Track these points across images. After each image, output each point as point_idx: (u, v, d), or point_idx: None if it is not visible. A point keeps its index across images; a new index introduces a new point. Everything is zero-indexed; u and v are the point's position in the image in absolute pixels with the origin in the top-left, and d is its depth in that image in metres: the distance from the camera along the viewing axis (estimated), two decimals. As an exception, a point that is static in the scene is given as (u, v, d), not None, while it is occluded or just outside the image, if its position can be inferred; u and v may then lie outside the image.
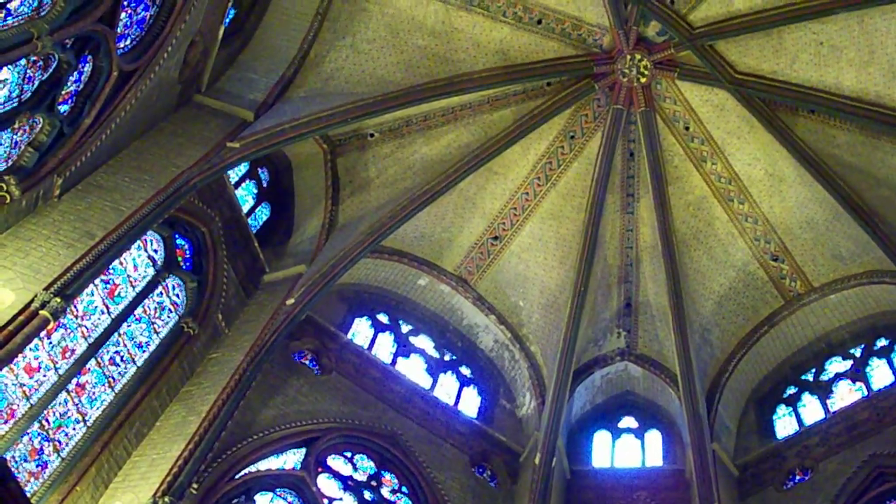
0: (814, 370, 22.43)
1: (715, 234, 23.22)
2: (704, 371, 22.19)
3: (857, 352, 21.90)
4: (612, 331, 24.33)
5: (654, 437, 23.55)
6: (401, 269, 24.59)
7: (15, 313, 13.48)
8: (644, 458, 23.15)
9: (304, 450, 19.78)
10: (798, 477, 19.93)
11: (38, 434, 15.11)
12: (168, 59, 17.16)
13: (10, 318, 13.36)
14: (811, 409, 21.67)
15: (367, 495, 20.10)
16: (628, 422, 24.14)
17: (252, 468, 18.60)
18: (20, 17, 12.33)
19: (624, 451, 23.49)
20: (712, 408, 21.62)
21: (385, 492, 20.41)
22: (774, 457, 20.80)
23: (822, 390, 21.83)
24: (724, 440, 21.34)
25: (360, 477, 20.40)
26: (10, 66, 12.59)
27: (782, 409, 22.29)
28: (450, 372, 24.46)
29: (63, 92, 14.52)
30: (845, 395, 21.22)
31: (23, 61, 12.80)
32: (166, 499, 15.40)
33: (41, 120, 14.35)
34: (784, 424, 21.90)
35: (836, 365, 22.16)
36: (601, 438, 23.90)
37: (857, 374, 21.42)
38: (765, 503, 20.10)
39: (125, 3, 15.00)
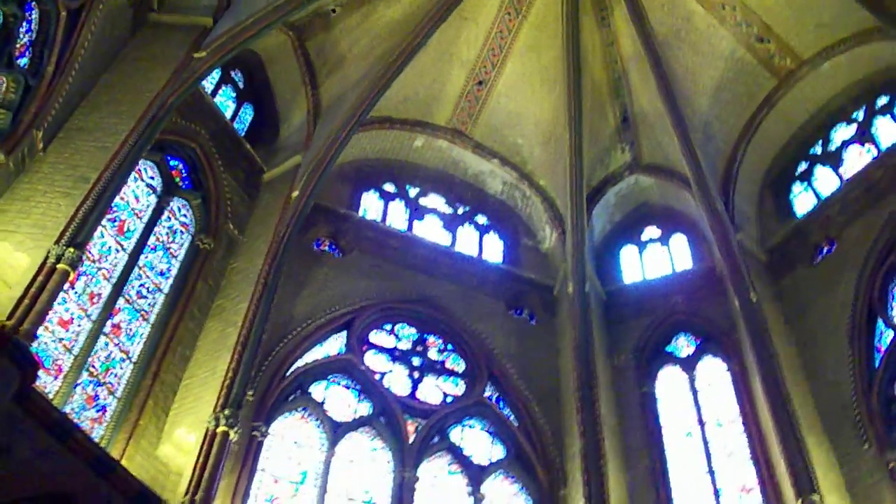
0: (820, 142, 22.30)
1: (695, 28, 22.69)
2: (713, 166, 22.13)
3: (860, 115, 21.66)
4: (615, 147, 24.29)
5: (678, 242, 23.80)
6: (394, 136, 24.56)
7: (34, 273, 13.55)
8: (673, 263, 23.45)
9: (344, 333, 20.15)
10: (825, 249, 20.08)
11: (90, 381, 15.41)
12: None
13: (31, 280, 13.44)
14: (825, 181, 21.67)
15: (416, 361, 20.57)
16: (651, 232, 24.36)
17: (299, 363, 19.00)
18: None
19: (652, 261, 23.80)
20: (728, 200, 21.64)
21: (432, 353, 20.86)
22: (798, 235, 20.95)
23: (833, 159, 21.76)
24: (747, 229, 21.45)
25: (405, 345, 20.82)
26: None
27: (797, 187, 22.31)
28: (467, 224, 24.70)
29: (17, 45, 14.26)
30: (856, 159, 21.12)
31: (-33, 23, 12.54)
32: (226, 412, 15.70)
33: (3, 79, 14.17)
34: (802, 201, 21.97)
35: (842, 132, 21.99)
36: (628, 254, 24.20)
37: (864, 136, 21.24)
38: (797, 282, 20.32)
39: (52, -59, 14.56)
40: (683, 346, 21.32)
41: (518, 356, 21.16)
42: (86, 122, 16.40)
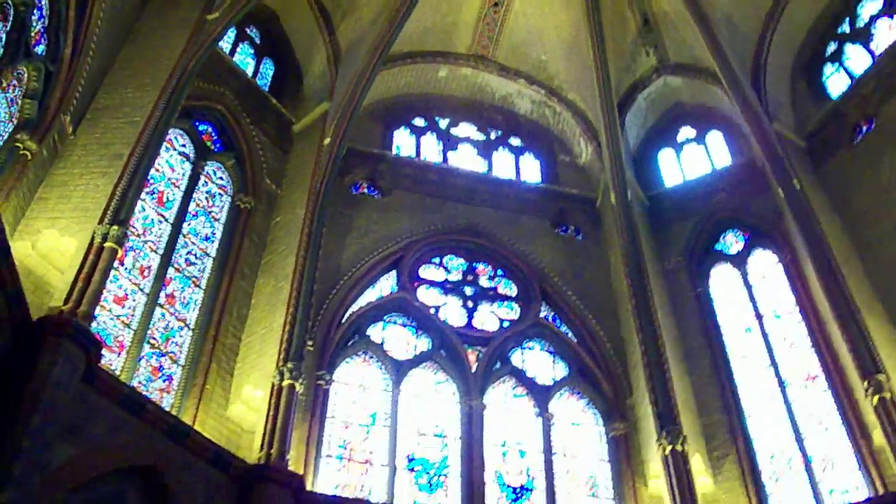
0: (848, 19, 21.68)
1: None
2: (741, 58, 21.65)
3: (885, -14, 21.08)
4: (640, 52, 23.88)
5: (715, 139, 23.56)
6: (418, 69, 24.50)
7: (83, 255, 13.75)
8: (712, 161, 23.25)
9: (394, 272, 20.34)
10: (864, 128, 19.71)
11: (152, 353, 15.74)
12: (115, -41, 16.70)
13: (81, 262, 13.65)
14: (857, 59, 21.16)
15: (468, 290, 20.70)
16: (686, 132, 24.11)
17: (354, 307, 19.21)
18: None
19: (691, 161, 23.61)
20: (761, 91, 21.22)
21: (483, 281, 20.98)
22: (835, 116, 20.55)
23: (862, 36, 21.18)
24: (783, 117, 21.09)
25: (456, 276, 20.95)
26: (-29, 31, 12.42)
27: (829, 68, 21.82)
28: (501, 148, 24.67)
29: (32, 33, 14.29)
30: (886, 33, 20.52)
31: (-20, 21, 12.59)
32: (289, 365, 15.92)
33: (24, 69, 14.22)
34: (835, 82, 21.52)
35: (869, 6, 21.36)
36: (666, 157, 24.03)
37: (892, 7, 20.58)
38: (839, 165, 20.02)
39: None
40: (732, 242, 21.22)
41: (569, 273, 21.21)
42: (111, 99, 16.55)
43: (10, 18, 13.67)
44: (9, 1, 13.41)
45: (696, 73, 23.24)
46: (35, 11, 14.31)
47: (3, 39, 13.59)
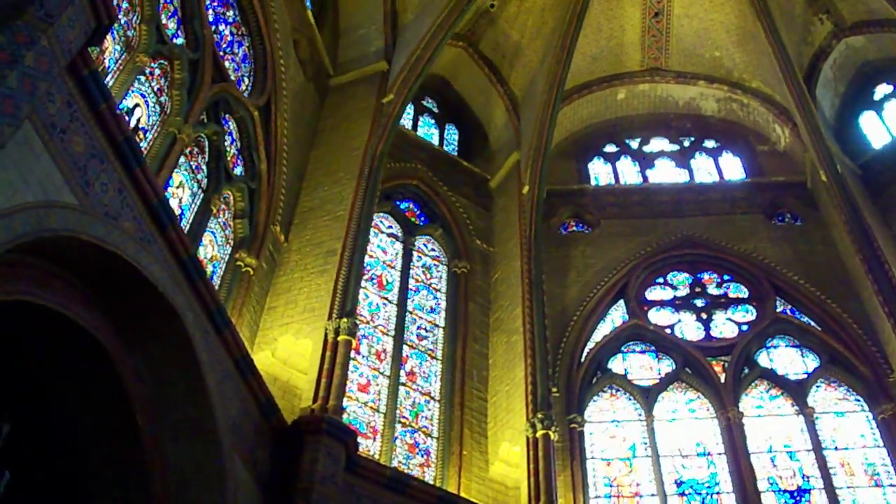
0: None
1: None
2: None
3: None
4: (813, 22, 22.70)
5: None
6: (596, 98, 24.56)
7: (321, 353, 14.20)
8: (923, 112, 21.85)
9: (621, 301, 20.05)
10: None
11: (405, 431, 16.06)
12: (286, 70, 17.51)
13: (320, 360, 14.05)
14: None
15: (699, 303, 20.10)
16: (882, 89, 22.97)
17: (590, 344, 18.98)
18: (156, 127, 12.89)
19: (894, 117, 22.22)
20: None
21: (711, 290, 20.35)
22: None
23: None
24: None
25: (683, 292, 20.41)
26: (177, 170, 13.21)
27: None
28: (697, 154, 24.20)
29: (229, 158, 15.13)
30: None
31: (182, 159, 13.40)
32: (539, 415, 15.79)
33: (229, 193, 15.07)
34: None
35: None
36: (867, 120, 22.85)
37: None
38: None
39: (222, 55, 15.37)
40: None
41: (796, 262, 20.25)
42: (312, 200, 17.24)
43: (207, 149, 14.56)
44: (202, 134, 14.28)
45: (876, 26, 21.93)
46: (227, 137, 15.17)
47: (206, 171, 14.47)
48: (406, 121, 21.15)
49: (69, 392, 10.35)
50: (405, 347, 17.35)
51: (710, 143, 24.24)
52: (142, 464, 10.55)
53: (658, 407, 17.99)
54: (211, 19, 15.22)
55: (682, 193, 22.43)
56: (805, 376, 18.26)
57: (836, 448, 17.04)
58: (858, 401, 17.79)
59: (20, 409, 9.75)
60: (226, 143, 15.03)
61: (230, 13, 16.38)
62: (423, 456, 15.93)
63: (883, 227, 19.55)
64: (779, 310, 19.47)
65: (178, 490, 10.80)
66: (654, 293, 20.39)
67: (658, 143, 24.36)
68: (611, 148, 24.25)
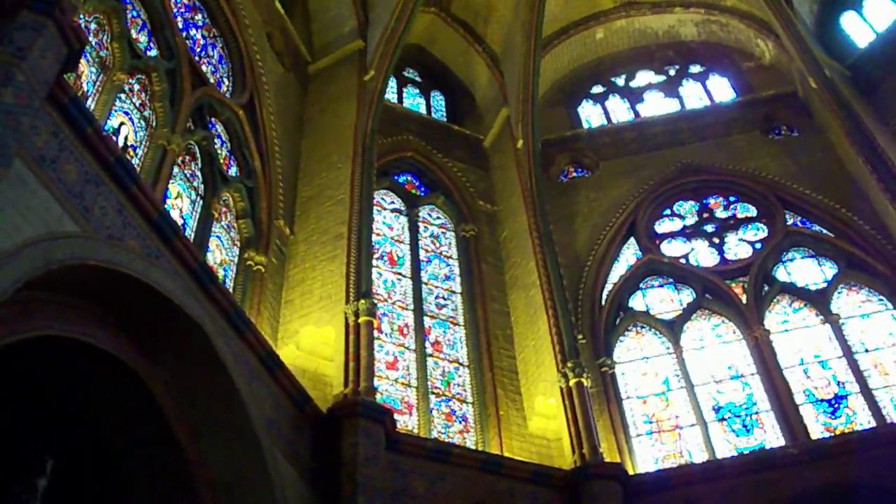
0: None
1: None
2: None
3: None
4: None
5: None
6: (575, 41, 24.54)
7: (344, 338, 14.23)
8: (902, -2, 21.56)
9: (632, 239, 20.06)
10: None
11: (440, 402, 16.14)
12: (263, 65, 17.46)
13: (345, 345, 14.07)
14: None
15: (709, 228, 20.07)
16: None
17: (608, 287, 19.02)
18: (144, 142, 12.89)
19: (876, 13, 21.88)
20: None
21: (720, 214, 20.31)
22: None
23: None
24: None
25: (691, 220, 20.37)
26: (172, 181, 13.22)
27: None
28: (685, 81, 24.14)
29: (221, 160, 15.11)
30: None
31: (175, 169, 13.40)
32: (569, 364, 15.80)
33: (228, 195, 15.07)
34: None
35: None
36: (848, 21, 22.34)
37: None
38: None
39: (198, 59, 15.32)
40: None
41: (799, 172, 20.16)
42: (311, 189, 17.23)
43: (199, 156, 14.55)
44: (192, 141, 14.29)
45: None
46: (216, 141, 15.15)
47: (201, 177, 14.47)
48: (391, 94, 21.06)
49: (104, 415, 10.44)
50: (426, 319, 17.40)
51: (695, 69, 24.10)
52: (188, 476, 10.66)
53: (685, 337, 18.02)
54: (181, 26, 15.17)
55: (675, 123, 22.34)
56: (825, 285, 18.23)
57: (866, 350, 17.02)
58: (881, 300, 17.75)
59: (60, 441, 9.86)
60: (216, 147, 15.02)
61: (199, 17, 16.32)
62: (461, 423, 16.01)
63: (880, 124, 19.35)
64: (789, 223, 19.42)
65: (228, 495, 10.89)
66: (663, 226, 20.38)
67: (644, 77, 24.25)
68: (598, 89, 24.15)
